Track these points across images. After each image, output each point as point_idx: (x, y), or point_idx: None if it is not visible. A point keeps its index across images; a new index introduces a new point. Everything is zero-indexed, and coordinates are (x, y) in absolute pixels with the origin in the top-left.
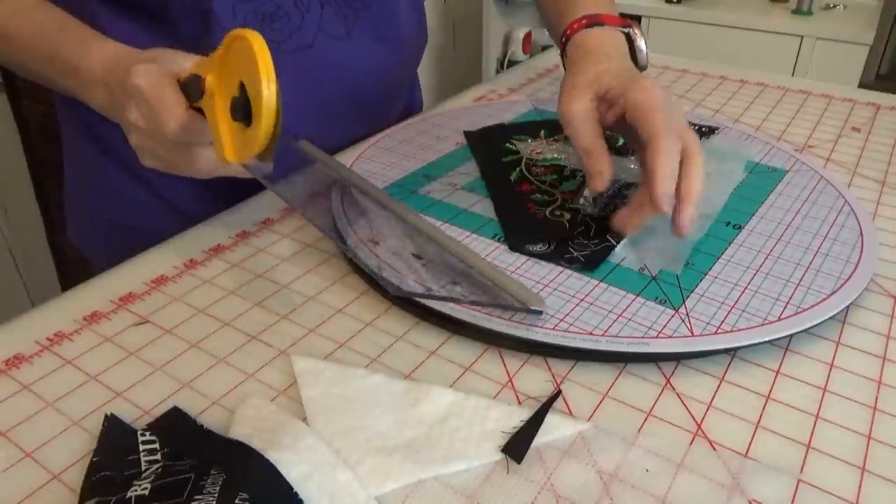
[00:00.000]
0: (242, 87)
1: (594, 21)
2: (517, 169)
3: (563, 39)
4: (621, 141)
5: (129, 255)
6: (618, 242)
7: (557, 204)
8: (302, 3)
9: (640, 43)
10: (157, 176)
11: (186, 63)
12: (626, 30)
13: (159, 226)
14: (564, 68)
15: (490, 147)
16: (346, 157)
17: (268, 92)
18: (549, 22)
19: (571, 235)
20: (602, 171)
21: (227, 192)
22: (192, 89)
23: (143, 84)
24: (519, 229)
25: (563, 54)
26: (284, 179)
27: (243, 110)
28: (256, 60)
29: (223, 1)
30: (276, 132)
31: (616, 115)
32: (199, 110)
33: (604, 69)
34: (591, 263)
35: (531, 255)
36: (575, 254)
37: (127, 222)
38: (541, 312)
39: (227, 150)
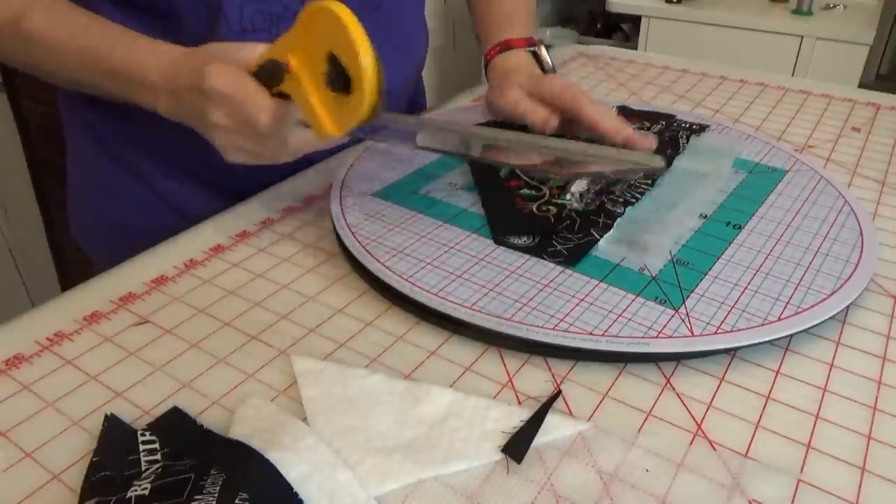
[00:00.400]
0: (332, 59)
1: (506, 47)
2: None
3: (485, 63)
4: None
5: (131, 254)
6: (601, 236)
7: (545, 199)
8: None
9: (544, 55)
10: (158, 176)
11: (249, 52)
12: (532, 48)
13: (161, 225)
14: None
15: None
16: (346, 157)
17: (368, 57)
18: (479, 43)
19: (556, 229)
20: (546, 117)
21: (227, 191)
22: (271, 75)
23: (222, 85)
24: (503, 221)
25: (486, 74)
26: (382, 130)
27: (342, 80)
28: (349, 28)
29: (232, 1)
30: (379, 94)
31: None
32: (280, 95)
33: (520, 76)
34: (573, 257)
35: (514, 247)
36: (558, 247)
37: (129, 222)
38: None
39: (327, 123)
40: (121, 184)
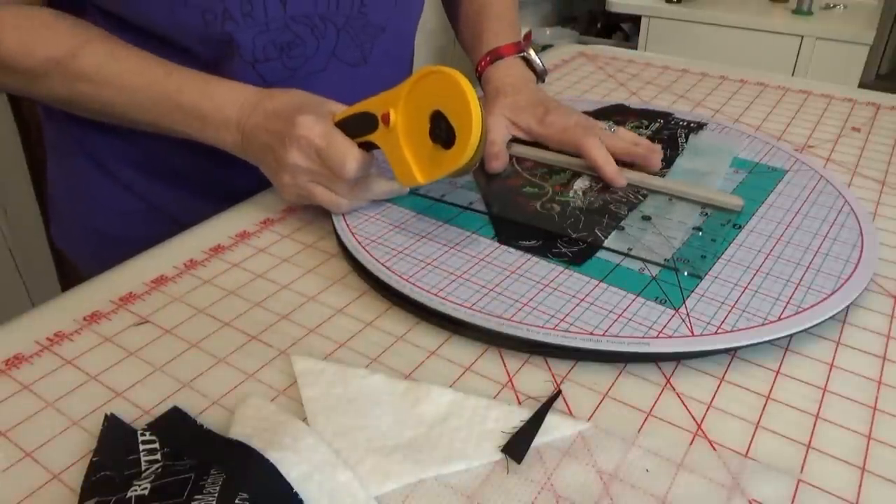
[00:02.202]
0: (437, 116)
1: (496, 56)
2: (508, 163)
3: (477, 76)
4: None
5: (116, 263)
6: (606, 236)
7: (548, 196)
8: (318, 30)
9: (534, 59)
10: (149, 187)
11: (334, 106)
12: (522, 54)
13: (150, 235)
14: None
15: None
16: None
17: (478, 119)
18: (468, 55)
19: (561, 228)
20: (497, 153)
21: (219, 199)
22: (363, 127)
23: (312, 136)
24: (506, 220)
25: (481, 87)
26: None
27: (446, 135)
28: (466, 93)
29: (244, 34)
30: (480, 150)
31: (531, 138)
32: (361, 145)
33: (513, 104)
34: (578, 258)
35: (519, 248)
36: (563, 249)
37: (115, 232)
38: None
39: (416, 172)
40: (111, 196)
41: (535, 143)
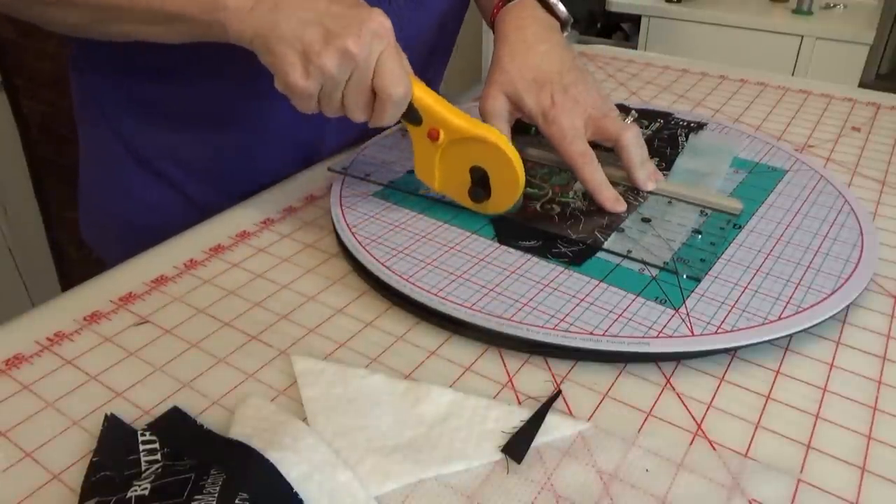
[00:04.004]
0: (480, 170)
1: None
2: None
3: (491, 22)
4: None
5: None
6: (606, 238)
7: (548, 197)
8: None
9: (556, 2)
10: (184, 177)
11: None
12: None
13: (177, 224)
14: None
15: None
16: (345, 156)
17: (519, 192)
18: (480, 8)
19: (561, 229)
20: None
21: (249, 189)
22: (413, 117)
23: (386, 33)
24: (506, 221)
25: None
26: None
27: (483, 191)
28: (515, 167)
29: None
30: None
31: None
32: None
33: (517, 73)
34: (578, 259)
35: (519, 248)
36: (563, 249)
37: (144, 222)
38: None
39: (438, 182)
40: (141, 184)
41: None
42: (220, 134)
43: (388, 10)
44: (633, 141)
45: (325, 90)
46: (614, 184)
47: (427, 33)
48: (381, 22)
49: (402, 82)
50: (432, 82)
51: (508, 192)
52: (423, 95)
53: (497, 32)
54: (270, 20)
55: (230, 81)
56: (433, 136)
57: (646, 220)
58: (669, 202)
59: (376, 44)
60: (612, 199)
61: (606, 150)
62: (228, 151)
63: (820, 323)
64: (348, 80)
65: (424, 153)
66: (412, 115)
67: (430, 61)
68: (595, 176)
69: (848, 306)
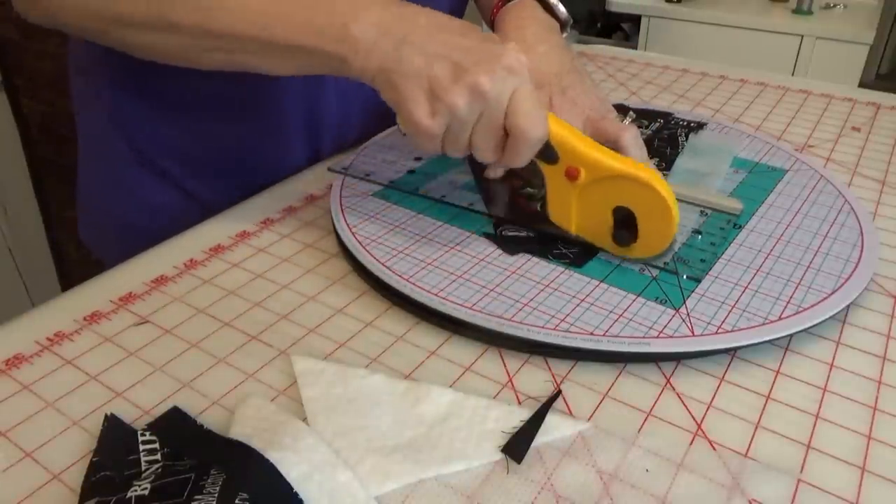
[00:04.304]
0: (618, 209)
1: None
2: None
3: (490, 21)
4: None
5: None
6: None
7: None
8: None
9: (556, 2)
10: (187, 176)
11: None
12: None
13: (178, 224)
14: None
15: None
16: (345, 155)
17: (672, 234)
18: (480, 9)
19: (561, 229)
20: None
21: (246, 184)
22: (548, 155)
23: (522, 69)
24: (506, 221)
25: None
26: None
27: (628, 233)
28: (669, 207)
29: None
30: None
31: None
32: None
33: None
34: (578, 260)
35: (517, 245)
36: (564, 250)
37: (145, 222)
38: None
39: (574, 225)
40: (141, 183)
41: None
42: (224, 130)
43: None
44: (631, 142)
45: (451, 130)
46: None
47: None
48: (516, 57)
49: (539, 122)
50: None
51: (660, 234)
52: (560, 130)
53: (496, 32)
54: (396, 55)
55: (234, 77)
56: (572, 176)
57: None
58: None
59: (511, 80)
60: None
61: None
62: (232, 148)
63: (820, 323)
64: (478, 120)
65: (560, 193)
66: (548, 153)
67: None
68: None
69: (848, 306)
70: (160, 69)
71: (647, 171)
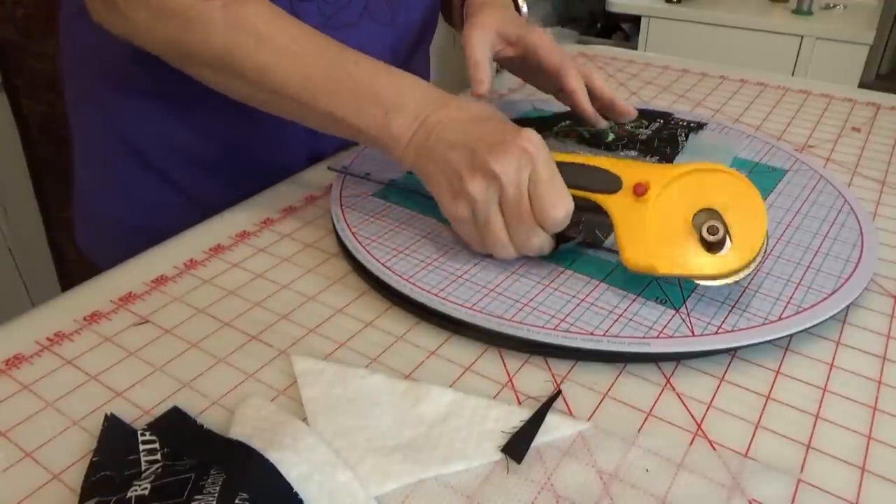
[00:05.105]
0: (707, 214)
1: None
2: None
3: (460, 12)
4: (611, 136)
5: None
6: (606, 237)
7: None
8: None
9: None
10: (186, 175)
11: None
12: None
13: (177, 225)
14: (463, 20)
15: None
16: (345, 155)
17: (765, 224)
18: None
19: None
20: (483, 79)
21: (254, 186)
22: (587, 180)
23: (538, 155)
24: None
25: (462, 6)
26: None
27: (719, 240)
28: (762, 209)
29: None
30: (748, 269)
31: (515, 51)
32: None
33: (501, 16)
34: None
35: None
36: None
37: (145, 223)
38: None
39: (658, 259)
40: (144, 186)
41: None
42: (224, 130)
43: (359, 22)
44: (574, 73)
45: (476, 216)
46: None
47: (394, 46)
48: (528, 138)
49: (559, 201)
50: (421, 63)
51: (752, 228)
52: (608, 160)
53: (467, 9)
54: (426, 148)
55: None
56: (641, 191)
57: None
58: None
59: (524, 162)
60: (593, 112)
61: (600, 147)
62: (231, 147)
63: (820, 323)
64: (504, 207)
65: (630, 225)
66: (608, 181)
67: (420, 43)
68: (578, 84)
69: (848, 306)
70: (156, 69)
71: (708, 164)
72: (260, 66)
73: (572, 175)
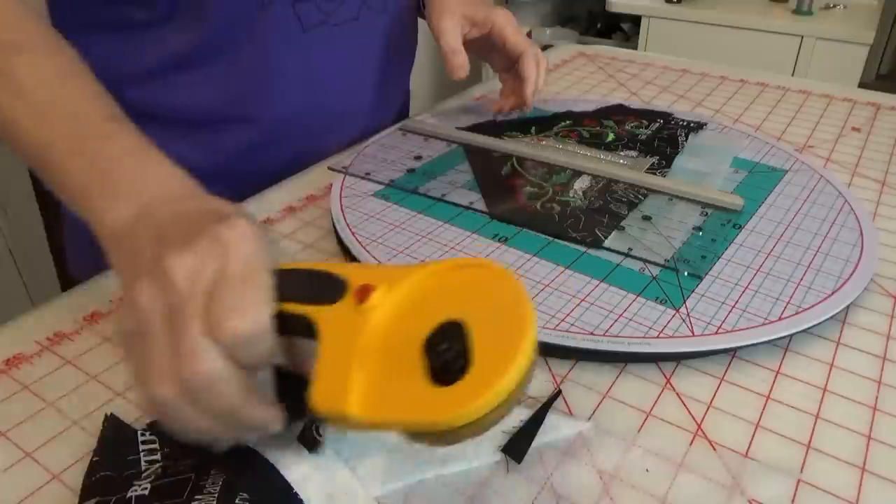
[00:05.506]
0: (442, 330)
1: None
2: (509, 163)
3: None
4: (611, 136)
5: None
6: (606, 237)
7: (548, 196)
8: None
9: None
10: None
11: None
12: None
13: None
14: (424, 6)
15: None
16: (346, 155)
17: (530, 356)
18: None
19: (561, 228)
20: (462, 63)
21: (245, 186)
22: (309, 290)
23: (237, 251)
24: (506, 219)
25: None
26: None
27: (459, 361)
28: (528, 310)
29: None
30: (502, 409)
31: (480, 32)
32: (289, 321)
33: (463, 4)
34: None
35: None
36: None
37: None
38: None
39: (360, 398)
40: None
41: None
42: (220, 135)
43: (359, 14)
44: (532, 59)
45: (140, 329)
46: (615, 181)
47: (391, 33)
48: (231, 225)
49: (246, 311)
50: (399, 83)
51: (509, 343)
52: (339, 266)
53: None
54: (127, 240)
55: (228, 81)
56: (362, 296)
57: (646, 218)
58: (670, 199)
59: (212, 254)
60: (529, 102)
61: (599, 148)
62: (229, 152)
63: (820, 323)
64: (168, 314)
65: (335, 348)
66: (330, 282)
67: (398, 59)
68: (533, 73)
69: (848, 306)
70: (146, 80)
71: (469, 259)
72: (6, 119)
73: (291, 285)
